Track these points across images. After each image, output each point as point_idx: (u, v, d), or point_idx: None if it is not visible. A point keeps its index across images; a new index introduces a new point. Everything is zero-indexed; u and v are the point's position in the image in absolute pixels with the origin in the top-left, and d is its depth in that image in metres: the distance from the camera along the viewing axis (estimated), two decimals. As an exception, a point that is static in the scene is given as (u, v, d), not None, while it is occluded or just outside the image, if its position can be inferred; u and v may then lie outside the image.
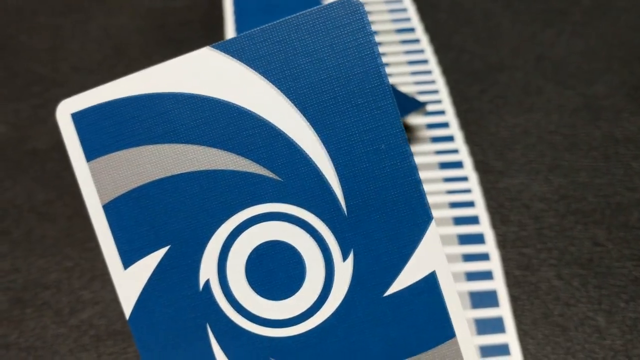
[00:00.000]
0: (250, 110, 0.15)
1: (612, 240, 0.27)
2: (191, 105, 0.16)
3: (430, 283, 0.15)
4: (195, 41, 0.39)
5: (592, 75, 0.35)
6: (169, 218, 0.16)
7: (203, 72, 0.15)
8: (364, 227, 0.15)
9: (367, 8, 0.38)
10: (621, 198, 0.29)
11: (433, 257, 0.15)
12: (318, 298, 0.16)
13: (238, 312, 0.16)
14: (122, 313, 0.28)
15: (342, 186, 0.15)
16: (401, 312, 0.15)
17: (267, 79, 0.15)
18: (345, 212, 0.15)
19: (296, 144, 0.15)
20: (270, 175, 0.16)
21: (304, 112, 0.15)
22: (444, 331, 0.15)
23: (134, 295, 0.16)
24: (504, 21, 0.38)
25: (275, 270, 0.16)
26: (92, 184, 0.16)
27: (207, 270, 0.16)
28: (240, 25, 0.38)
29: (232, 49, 0.15)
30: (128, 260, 0.16)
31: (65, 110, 0.16)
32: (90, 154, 0.16)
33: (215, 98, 0.15)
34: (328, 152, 0.15)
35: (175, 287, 0.16)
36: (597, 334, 0.24)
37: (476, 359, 0.15)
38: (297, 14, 0.15)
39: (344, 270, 0.16)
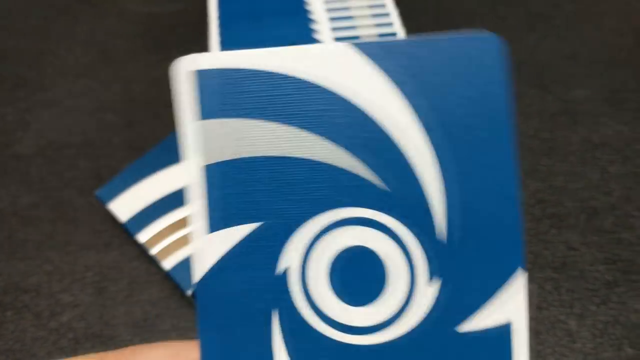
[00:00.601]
0: (373, 116, 0.15)
1: (586, 244, 0.27)
2: (317, 94, 0.16)
3: (504, 333, 0.15)
4: (181, 46, 0.39)
5: (573, 79, 0.35)
6: (267, 196, 0.16)
7: (336, 66, 0.15)
8: (457, 257, 0.15)
9: (349, 13, 0.39)
10: (596, 202, 0.29)
11: (514, 306, 0.15)
12: (394, 314, 0.16)
13: (310, 306, 0.16)
14: (101, 316, 0.28)
15: (447, 213, 0.15)
16: (470, 353, 0.15)
17: (399, 89, 0.15)
18: (444, 239, 0.15)
19: (411, 159, 0.15)
20: (379, 183, 0.16)
21: (428, 132, 0.15)
22: None
23: (209, 261, 0.16)
24: (487, 25, 0.38)
25: (358, 275, 0.16)
26: (201, 142, 0.16)
27: (289, 258, 0.16)
28: (224, 31, 0.39)
29: (372, 52, 0.15)
30: (215, 225, 0.16)
31: (190, 65, 0.16)
32: (206, 114, 0.16)
33: (341, 94, 0.16)
34: (442, 177, 0.15)
35: (254, 264, 0.16)
36: (568, 337, 0.25)
37: None
38: (442, 37, 0.15)
39: (426, 294, 0.16)
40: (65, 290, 0.29)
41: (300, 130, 0.16)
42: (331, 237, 0.16)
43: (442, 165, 0.15)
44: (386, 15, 0.38)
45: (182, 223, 0.28)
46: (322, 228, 0.16)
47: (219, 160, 0.16)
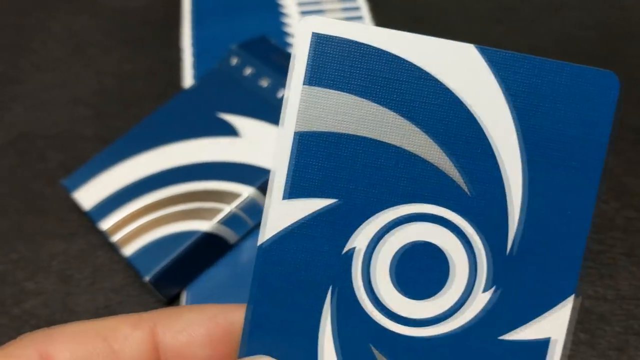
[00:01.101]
0: (477, 119, 0.16)
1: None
2: (429, 87, 0.16)
3: (545, 348, 0.16)
4: (154, 40, 0.40)
5: (537, 71, 0.35)
6: (352, 176, 0.16)
7: (456, 63, 0.16)
8: (518, 270, 0.16)
9: (320, 7, 0.39)
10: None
11: (561, 327, 0.16)
12: (446, 312, 0.16)
13: (366, 290, 0.16)
14: (64, 304, 0.29)
15: (521, 229, 0.16)
16: (506, 358, 0.16)
17: (510, 100, 0.16)
18: (509, 250, 0.16)
19: (502, 170, 0.16)
20: (464, 186, 0.16)
21: (526, 148, 0.16)
22: None
23: (279, 227, 0.16)
24: (455, 19, 0.38)
25: (421, 270, 0.16)
26: (302, 107, 0.15)
27: (358, 241, 0.16)
28: (197, 26, 0.39)
29: (494, 58, 0.16)
30: (293, 192, 0.16)
31: (313, 27, 0.16)
32: (312, 80, 0.16)
33: (453, 91, 0.16)
34: (525, 192, 0.16)
35: (322, 239, 0.16)
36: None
37: None
38: (562, 62, 0.16)
39: (480, 299, 0.16)
40: (30, 278, 0.29)
41: (401, 117, 0.16)
42: (404, 229, 0.16)
43: (529, 183, 0.16)
44: (356, 9, 0.38)
45: (143, 211, 0.28)
46: (398, 218, 0.16)
47: (314, 130, 0.16)
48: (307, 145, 0.16)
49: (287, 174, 0.16)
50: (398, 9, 0.39)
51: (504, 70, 0.16)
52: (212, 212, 0.27)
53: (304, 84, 0.15)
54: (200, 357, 0.17)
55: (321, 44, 0.15)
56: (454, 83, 0.16)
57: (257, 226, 0.29)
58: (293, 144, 0.16)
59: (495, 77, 0.16)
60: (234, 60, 0.32)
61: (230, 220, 0.28)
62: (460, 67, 0.16)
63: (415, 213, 0.16)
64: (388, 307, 0.16)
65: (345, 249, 0.16)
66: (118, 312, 0.29)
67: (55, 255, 0.30)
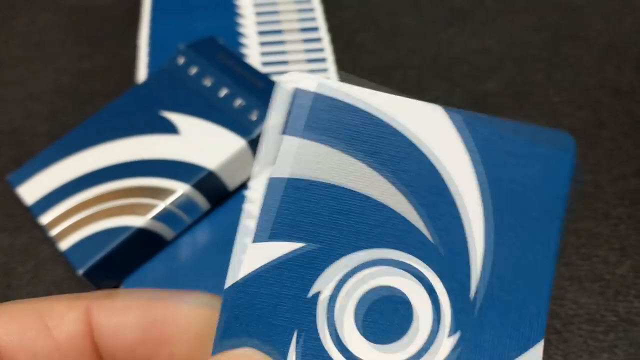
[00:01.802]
0: (441, 174, 0.17)
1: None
2: (397, 142, 0.17)
3: None
4: (114, 38, 0.40)
5: (483, 74, 0.35)
6: (319, 221, 0.16)
7: (423, 121, 0.17)
8: (481, 316, 0.16)
9: (275, 8, 0.40)
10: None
11: None
12: (410, 358, 0.16)
13: (330, 333, 0.16)
14: (5, 296, 0.29)
15: (482, 276, 0.16)
16: None
17: (471, 157, 0.17)
18: (472, 297, 0.16)
19: (465, 223, 0.17)
20: (428, 235, 0.16)
21: (487, 199, 0.17)
22: None
23: (247, 270, 0.16)
24: (408, 20, 0.39)
25: (385, 315, 0.16)
26: (272, 154, 0.16)
27: (324, 285, 0.16)
28: (154, 24, 0.40)
29: (458, 118, 0.17)
30: (261, 236, 0.16)
31: (293, 83, 0.17)
32: (290, 130, 0.17)
33: (418, 146, 0.17)
34: (488, 245, 0.16)
35: (289, 283, 0.16)
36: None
37: None
38: (522, 123, 0.17)
39: (445, 345, 0.16)
40: (-28, 270, 0.30)
41: (370, 168, 0.17)
42: (368, 273, 0.16)
43: (491, 233, 0.16)
44: (310, 10, 0.39)
45: (82, 206, 0.29)
46: (363, 263, 0.16)
47: (287, 176, 0.16)
48: (277, 190, 0.16)
49: (259, 218, 0.16)
50: (353, 11, 0.40)
51: (468, 129, 0.17)
52: (147, 208, 0.28)
53: (281, 133, 0.16)
54: (131, 340, 0.17)
55: (300, 98, 0.17)
56: (420, 139, 0.17)
57: (194, 223, 0.30)
58: (266, 188, 0.16)
59: (459, 134, 0.17)
60: (181, 60, 0.33)
61: (165, 217, 0.28)
62: (426, 125, 0.17)
63: (378, 258, 0.16)
64: (353, 352, 0.16)
65: (311, 293, 0.16)
66: (57, 304, 0.30)
67: (0, 249, 0.31)
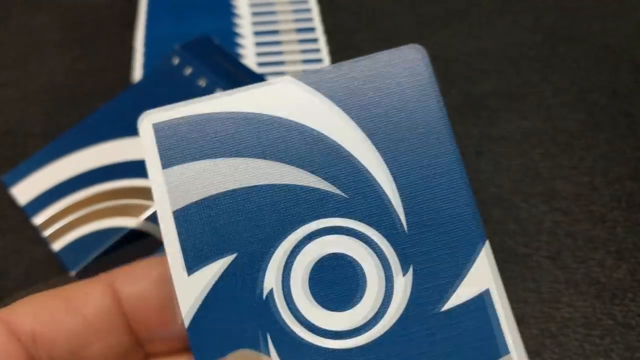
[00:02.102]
0: (322, 133, 0.17)
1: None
2: (269, 125, 0.17)
3: (485, 300, 0.16)
4: (109, 39, 0.40)
5: (479, 75, 0.35)
6: (237, 227, 0.17)
7: (282, 97, 0.17)
8: (423, 243, 0.16)
9: (271, 8, 0.40)
10: (485, 195, 0.30)
11: (487, 275, 0.16)
12: (378, 311, 0.16)
13: (297, 321, 0.16)
14: (-3, 297, 0.29)
15: (403, 205, 0.17)
16: (457, 328, 0.16)
17: (340, 107, 0.17)
18: (406, 229, 0.17)
19: (362, 165, 0.17)
20: (337, 192, 0.17)
21: (371, 138, 0.17)
22: (499, 348, 0.16)
23: (196, 302, 0.16)
24: (404, 22, 0.39)
25: (337, 281, 0.17)
26: (165, 190, 0.17)
27: (271, 280, 0.17)
28: (150, 25, 0.40)
29: (311, 80, 0.17)
30: (193, 266, 0.16)
31: (148, 120, 0.17)
32: (167, 163, 0.17)
33: (291, 120, 0.17)
34: (391, 173, 0.17)
35: (238, 295, 0.16)
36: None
37: None
38: (370, 55, 0.17)
39: (403, 285, 0.16)
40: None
41: (259, 159, 0.17)
42: (304, 252, 0.17)
43: (390, 163, 0.17)
44: (307, 10, 0.39)
45: (75, 207, 0.29)
46: (294, 245, 0.17)
47: (186, 203, 0.17)
48: (187, 218, 0.16)
49: (180, 252, 0.16)
50: (349, 12, 0.40)
51: (323, 85, 0.17)
52: (140, 209, 0.28)
53: (162, 169, 0.17)
54: (157, 303, 0.18)
55: (162, 129, 0.17)
56: (287, 113, 0.17)
57: (188, 224, 0.29)
58: (174, 223, 0.16)
59: (319, 94, 0.17)
60: (176, 60, 0.33)
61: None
62: (287, 99, 0.17)
63: (307, 234, 0.17)
64: (325, 328, 0.16)
65: (262, 294, 0.16)
66: (50, 306, 0.29)
67: (-7, 250, 0.31)
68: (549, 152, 0.32)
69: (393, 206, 0.17)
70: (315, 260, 0.17)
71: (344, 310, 0.16)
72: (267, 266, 0.16)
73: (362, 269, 0.17)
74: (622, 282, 0.27)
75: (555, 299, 0.27)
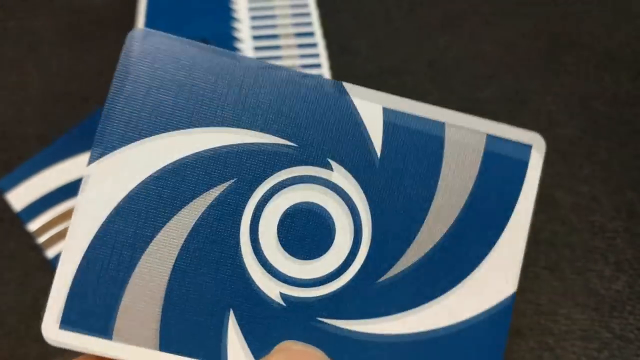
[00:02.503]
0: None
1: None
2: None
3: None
4: (108, 41, 0.40)
5: (480, 80, 0.35)
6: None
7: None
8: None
9: (271, 12, 0.39)
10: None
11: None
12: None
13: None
14: (-9, 303, 0.29)
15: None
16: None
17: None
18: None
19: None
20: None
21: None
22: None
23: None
24: (404, 26, 0.38)
25: (307, 230, 0.17)
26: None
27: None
28: (149, 24, 0.39)
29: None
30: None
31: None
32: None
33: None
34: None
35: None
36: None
37: None
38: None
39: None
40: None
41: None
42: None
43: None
44: (306, 15, 0.39)
45: (70, 214, 0.29)
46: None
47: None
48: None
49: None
50: (349, 16, 0.39)
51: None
52: (135, 217, 0.28)
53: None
54: None
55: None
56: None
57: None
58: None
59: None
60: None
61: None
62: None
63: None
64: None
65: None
66: (45, 312, 0.29)
67: (-12, 255, 0.31)
68: (548, 160, 0.31)
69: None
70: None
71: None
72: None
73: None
74: (620, 294, 0.27)
75: (552, 310, 0.27)
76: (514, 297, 0.17)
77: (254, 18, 0.39)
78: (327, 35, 0.38)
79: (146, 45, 0.17)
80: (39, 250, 0.31)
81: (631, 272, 0.27)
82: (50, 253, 0.28)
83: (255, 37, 0.38)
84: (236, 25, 0.39)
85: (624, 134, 0.32)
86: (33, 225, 0.29)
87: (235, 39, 0.38)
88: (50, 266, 0.30)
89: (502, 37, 0.37)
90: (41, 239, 0.28)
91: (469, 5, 0.39)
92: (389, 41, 0.38)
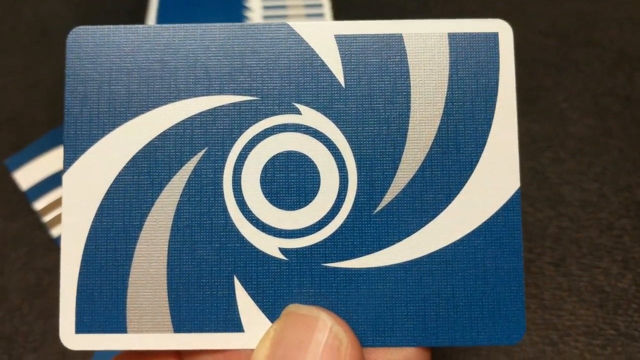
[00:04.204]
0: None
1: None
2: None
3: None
4: (121, 28, 0.40)
5: (490, 76, 0.35)
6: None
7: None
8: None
9: (283, 2, 0.39)
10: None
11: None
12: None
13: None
14: (-5, 280, 0.29)
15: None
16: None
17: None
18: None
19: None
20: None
21: None
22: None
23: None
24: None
25: (289, 180, 0.17)
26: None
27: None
28: (162, 17, 0.39)
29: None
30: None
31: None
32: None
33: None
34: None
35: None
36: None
37: None
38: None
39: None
40: (-35, 254, 0.30)
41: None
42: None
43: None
44: (318, 6, 0.39)
45: (76, 194, 0.29)
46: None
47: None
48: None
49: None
50: (361, 8, 0.39)
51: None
52: (140, 198, 0.28)
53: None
54: None
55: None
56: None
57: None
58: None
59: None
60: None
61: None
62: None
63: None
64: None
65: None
66: (48, 291, 0.29)
67: (-6, 234, 0.31)
68: (558, 157, 0.31)
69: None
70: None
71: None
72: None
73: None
74: (626, 292, 0.27)
75: (557, 306, 0.26)
76: (519, 193, 0.16)
77: (266, 8, 0.39)
78: (338, 27, 0.38)
79: (87, 42, 0.18)
80: (43, 229, 0.31)
81: (638, 270, 0.27)
82: (54, 232, 0.28)
83: (267, 28, 0.38)
84: (248, 14, 0.39)
85: (635, 134, 0.32)
86: (39, 205, 0.29)
87: (246, 28, 0.38)
88: (55, 245, 0.30)
89: (515, 34, 0.37)
90: (46, 218, 0.28)
91: (484, 2, 0.39)
92: (400, 35, 0.38)
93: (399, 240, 0.16)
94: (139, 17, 0.40)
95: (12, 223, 0.31)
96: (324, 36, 0.17)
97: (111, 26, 0.17)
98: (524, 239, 0.28)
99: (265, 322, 0.16)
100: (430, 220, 0.16)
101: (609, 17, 0.38)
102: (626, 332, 0.25)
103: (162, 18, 0.39)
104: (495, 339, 0.16)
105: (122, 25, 0.17)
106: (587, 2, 0.38)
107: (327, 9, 0.38)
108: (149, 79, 0.17)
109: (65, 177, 0.16)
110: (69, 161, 0.17)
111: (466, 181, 0.16)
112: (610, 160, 0.31)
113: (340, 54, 0.17)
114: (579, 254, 0.28)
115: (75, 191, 0.16)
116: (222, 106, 0.17)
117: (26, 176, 0.30)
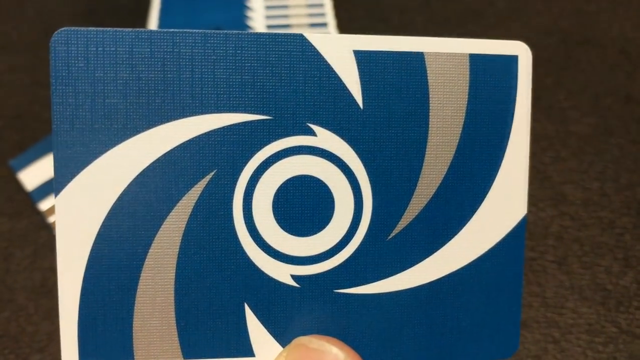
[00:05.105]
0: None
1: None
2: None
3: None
4: (120, 27, 0.40)
5: (492, 75, 0.35)
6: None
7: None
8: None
9: (285, 2, 0.39)
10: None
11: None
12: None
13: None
14: (3, 281, 0.29)
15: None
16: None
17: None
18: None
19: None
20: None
21: None
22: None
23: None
24: (418, 19, 0.38)
25: (303, 206, 0.16)
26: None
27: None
28: (163, 16, 0.40)
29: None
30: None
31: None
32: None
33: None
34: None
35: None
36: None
37: None
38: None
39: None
40: (-30, 254, 0.30)
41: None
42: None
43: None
44: (320, 5, 0.39)
45: (81, 194, 0.29)
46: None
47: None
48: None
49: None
50: (363, 8, 0.39)
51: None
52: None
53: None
54: None
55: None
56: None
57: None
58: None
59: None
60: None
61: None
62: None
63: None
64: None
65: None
66: (54, 291, 0.30)
67: (0, 234, 0.31)
68: (559, 156, 0.31)
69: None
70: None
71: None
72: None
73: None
74: (628, 289, 0.27)
75: (559, 304, 0.27)
76: (526, 219, 0.16)
77: (268, 7, 0.39)
78: (341, 27, 0.38)
79: (75, 46, 0.15)
80: (49, 229, 0.31)
81: (639, 268, 0.27)
82: (60, 232, 0.28)
83: (269, 27, 0.38)
84: (249, 14, 0.39)
85: (636, 132, 0.32)
86: (44, 205, 0.29)
87: (248, 28, 0.38)
88: (61, 246, 0.30)
89: (516, 33, 0.37)
90: (51, 219, 0.28)
91: (485, 0, 0.39)
92: (403, 34, 0.38)
93: (412, 265, 0.16)
94: (142, 17, 0.41)
95: (17, 223, 0.31)
96: (342, 51, 0.15)
97: (104, 29, 0.16)
98: (526, 237, 0.28)
99: (277, 347, 0.16)
100: (442, 246, 0.16)
101: (609, 17, 0.38)
102: (628, 329, 0.26)
103: (164, 16, 0.39)
104: (494, 354, 0.16)
105: (117, 29, 0.15)
106: (587, 2, 0.39)
107: (328, 9, 0.39)
108: (149, 91, 0.15)
109: (57, 201, 0.15)
110: (60, 185, 0.15)
111: (478, 207, 0.16)
112: (611, 159, 0.31)
113: (359, 72, 0.16)
114: (580, 252, 0.28)
115: (69, 217, 0.15)
116: (233, 125, 0.15)
117: (31, 177, 0.30)
